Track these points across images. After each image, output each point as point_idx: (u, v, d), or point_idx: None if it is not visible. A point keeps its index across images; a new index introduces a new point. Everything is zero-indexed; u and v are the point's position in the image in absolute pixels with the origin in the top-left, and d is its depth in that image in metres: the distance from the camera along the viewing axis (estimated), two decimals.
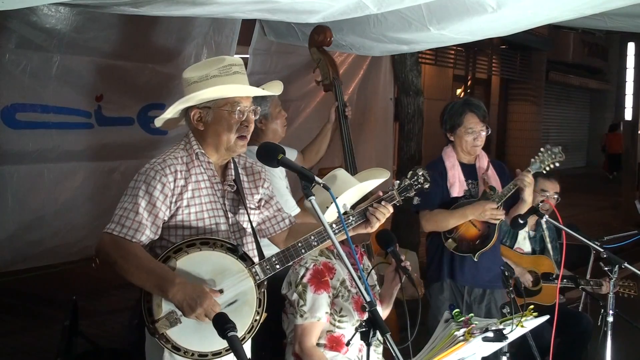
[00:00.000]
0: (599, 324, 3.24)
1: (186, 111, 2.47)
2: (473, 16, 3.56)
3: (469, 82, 15.76)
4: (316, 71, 4.30)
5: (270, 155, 2.36)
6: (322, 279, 2.82)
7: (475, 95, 15.90)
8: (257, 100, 3.50)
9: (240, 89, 2.45)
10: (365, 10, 3.21)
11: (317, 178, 2.31)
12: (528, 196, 3.65)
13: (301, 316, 2.80)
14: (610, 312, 3.12)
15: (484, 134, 3.68)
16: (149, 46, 4.69)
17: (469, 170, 3.73)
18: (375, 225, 2.53)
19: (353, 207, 2.60)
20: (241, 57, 5.72)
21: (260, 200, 2.63)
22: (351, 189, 2.79)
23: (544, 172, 3.69)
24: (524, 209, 3.64)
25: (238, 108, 2.42)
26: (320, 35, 4.16)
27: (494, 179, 3.71)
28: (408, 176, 2.59)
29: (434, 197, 3.66)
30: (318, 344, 2.82)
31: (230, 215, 2.50)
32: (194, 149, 2.46)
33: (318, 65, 4.23)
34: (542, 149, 3.68)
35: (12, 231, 4.21)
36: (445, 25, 3.79)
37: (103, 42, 4.45)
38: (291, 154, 4.06)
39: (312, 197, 2.26)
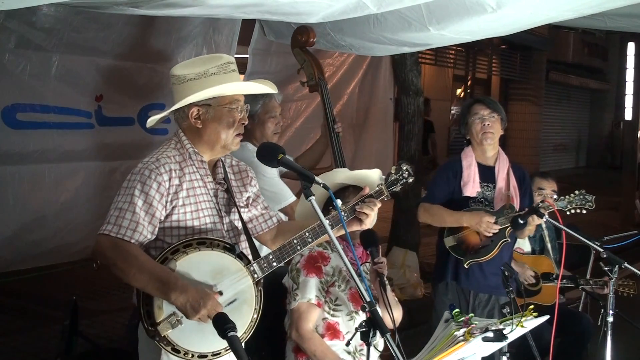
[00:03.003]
0: (599, 324, 3.23)
1: (179, 109, 2.44)
2: (473, 16, 3.56)
3: (469, 82, 15.77)
4: (300, 72, 4.25)
5: (270, 154, 2.37)
6: (314, 264, 2.88)
7: (476, 95, 15.90)
8: (247, 98, 3.53)
9: (251, 87, 2.49)
10: (365, 10, 3.21)
11: (317, 178, 2.32)
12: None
13: (294, 299, 2.84)
14: (610, 312, 3.11)
15: (493, 119, 3.64)
16: (148, 46, 4.69)
17: (487, 173, 3.70)
18: (367, 222, 2.53)
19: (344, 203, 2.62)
20: (241, 57, 5.74)
21: (248, 198, 2.63)
22: (344, 175, 2.86)
23: (568, 213, 3.65)
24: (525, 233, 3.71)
25: (237, 106, 2.43)
26: (303, 35, 4.11)
27: (515, 196, 3.66)
28: (393, 171, 2.60)
29: (439, 193, 3.67)
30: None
31: (223, 214, 2.50)
32: (186, 148, 2.45)
33: (302, 66, 4.18)
34: (576, 192, 3.64)
35: (13, 231, 4.21)
36: (445, 25, 3.78)
37: (102, 42, 4.45)
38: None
39: (312, 197, 2.26)
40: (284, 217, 3.50)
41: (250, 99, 3.46)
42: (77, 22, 4.23)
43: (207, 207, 2.44)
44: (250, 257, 2.46)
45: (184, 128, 2.48)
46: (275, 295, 2.92)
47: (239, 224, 2.54)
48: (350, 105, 6.84)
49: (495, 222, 3.49)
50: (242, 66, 5.77)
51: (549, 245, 4.38)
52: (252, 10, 3.42)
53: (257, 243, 2.67)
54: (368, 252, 2.80)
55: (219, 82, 2.38)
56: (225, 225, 2.49)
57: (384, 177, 2.62)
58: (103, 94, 4.55)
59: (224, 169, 2.56)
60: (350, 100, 6.83)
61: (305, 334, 2.81)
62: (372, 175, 2.84)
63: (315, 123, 6.11)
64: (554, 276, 4.18)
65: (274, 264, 2.42)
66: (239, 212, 2.53)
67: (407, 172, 2.59)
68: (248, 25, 5.19)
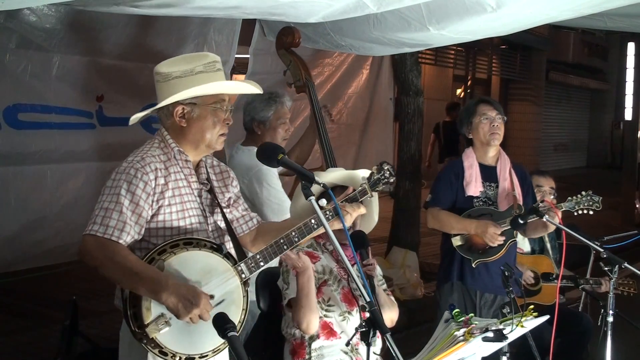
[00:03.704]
0: (599, 324, 3.24)
1: (163, 107, 2.39)
2: (472, 16, 3.56)
3: (469, 82, 15.77)
4: (287, 74, 4.21)
5: (270, 155, 2.37)
6: None
7: (476, 95, 15.92)
8: (260, 104, 3.54)
9: (238, 86, 2.46)
10: (365, 9, 3.21)
11: (317, 178, 2.32)
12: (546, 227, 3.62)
13: (284, 298, 2.83)
14: (610, 312, 3.11)
15: (500, 120, 3.66)
16: (149, 46, 4.70)
17: (489, 172, 3.71)
18: (348, 220, 2.51)
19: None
20: (242, 57, 5.73)
21: (229, 199, 2.59)
22: (334, 174, 2.88)
23: (575, 214, 3.65)
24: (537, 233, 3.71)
25: (222, 106, 2.39)
26: (288, 36, 4.08)
27: (519, 195, 3.67)
28: (375, 171, 2.59)
29: (445, 197, 3.67)
30: (313, 334, 2.83)
31: (207, 214, 2.47)
32: (171, 147, 2.40)
33: (289, 67, 4.15)
34: (583, 192, 3.64)
35: (15, 232, 4.21)
36: (445, 25, 3.79)
37: (103, 42, 4.46)
38: None
39: (312, 197, 2.27)
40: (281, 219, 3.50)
41: (263, 105, 3.52)
42: (78, 23, 4.24)
43: (192, 207, 2.40)
44: (235, 257, 2.43)
45: (167, 127, 2.43)
46: (274, 296, 2.92)
47: (223, 225, 2.51)
48: (351, 105, 6.84)
49: (503, 224, 3.51)
50: (243, 66, 5.79)
51: (548, 245, 4.39)
52: (252, 10, 3.42)
53: None
54: (358, 253, 2.80)
55: (205, 80, 2.33)
56: (209, 226, 2.46)
57: (367, 176, 2.62)
58: (104, 94, 4.56)
59: (205, 169, 2.53)
60: (350, 100, 6.84)
61: (296, 318, 2.77)
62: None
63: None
64: (554, 276, 4.18)
65: (261, 263, 2.39)
66: (222, 213, 2.50)
67: (388, 172, 2.58)
68: (249, 25, 5.19)
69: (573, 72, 18.31)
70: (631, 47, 13.74)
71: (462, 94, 15.65)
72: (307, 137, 4.09)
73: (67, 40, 4.24)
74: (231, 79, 5.68)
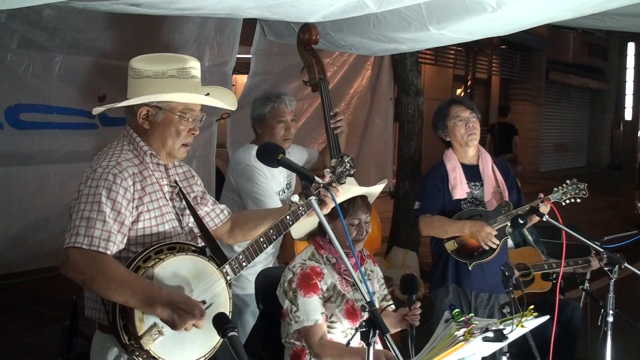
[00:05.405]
0: (599, 324, 3.24)
1: (128, 106, 2.30)
2: (473, 16, 3.57)
3: (469, 82, 15.78)
4: (304, 71, 4.23)
5: (270, 155, 2.37)
6: (310, 282, 2.81)
7: (475, 95, 15.95)
8: (258, 103, 3.55)
9: (205, 99, 2.33)
10: (365, 9, 3.22)
11: (317, 178, 2.32)
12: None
13: (296, 322, 2.78)
14: (610, 312, 3.12)
15: (474, 119, 3.64)
16: (150, 46, 4.69)
17: (472, 172, 3.69)
18: (330, 205, 2.47)
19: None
20: (244, 57, 5.71)
21: (195, 198, 2.53)
22: (354, 189, 2.85)
23: (564, 203, 3.61)
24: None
25: (190, 116, 2.30)
26: (306, 34, 4.08)
27: (504, 191, 3.66)
28: (338, 163, 2.58)
29: (434, 202, 3.64)
30: None
31: (181, 217, 2.40)
32: (143, 150, 2.31)
33: (305, 65, 4.16)
34: (568, 181, 3.62)
35: (17, 232, 4.21)
36: (445, 25, 3.79)
37: (105, 42, 4.47)
38: (312, 155, 4.02)
39: (313, 197, 2.27)
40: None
41: (260, 104, 3.54)
42: (80, 22, 4.25)
43: (167, 211, 2.33)
44: (215, 258, 2.36)
45: (133, 126, 2.34)
46: (274, 297, 2.92)
47: (195, 227, 2.45)
48: (353, 105, 6.85)
49: (494, 224, 3.50)
50: (245, 66, 5.80)
51: (530, 238, 4.41)
52: (252, 10, 3.43)
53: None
54: (407, 300, 2.78)
55: (175, 86, 2.24)
56: (184, 229, 2.40)
57: (331, 168, 2.58)
58: (106, 94, 4.56)
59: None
60: (352, 100, 6.85)
61: (317, 349, 2.75)
62: (379, 188, 2.93)
63: (317, 123, 6.12)
64: (553, 276, 4.18)
65: (244, 264, 2.36)
66: (194, 214, 2.42)
67: (349, 164, 2.57)
68: (250, 25, 5.20)
69: (573, 72, 18.33)
70: (631, 47, 13.77)
71: (462, 94, 15.67)
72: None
73: (68, 41, 4.25)
74: (232, 79, 5.69)
